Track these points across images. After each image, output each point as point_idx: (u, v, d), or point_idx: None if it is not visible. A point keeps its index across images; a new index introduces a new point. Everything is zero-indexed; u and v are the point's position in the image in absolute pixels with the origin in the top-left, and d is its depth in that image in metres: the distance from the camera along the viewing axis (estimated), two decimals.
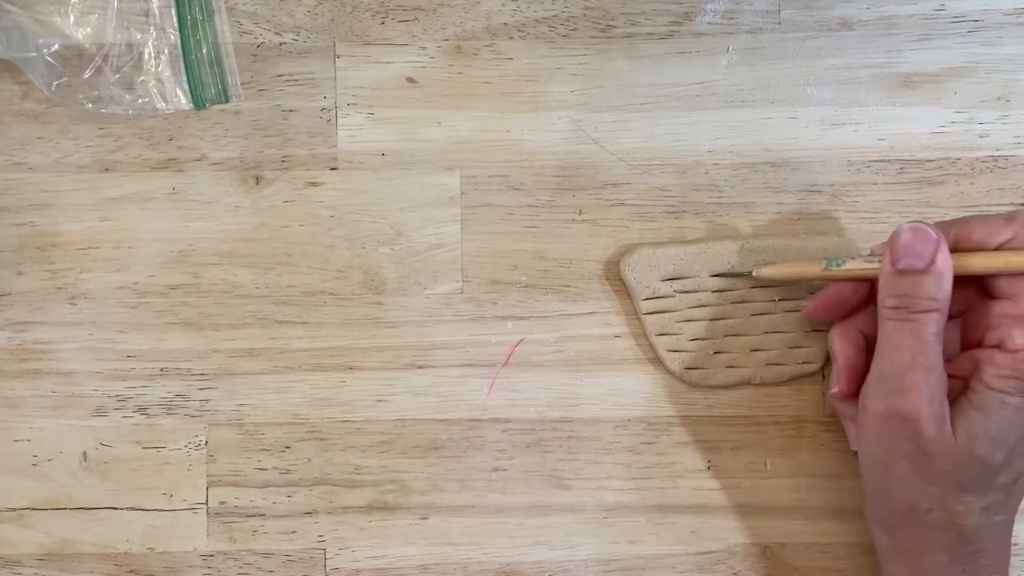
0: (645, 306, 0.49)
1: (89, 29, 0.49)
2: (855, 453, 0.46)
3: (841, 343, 0.45)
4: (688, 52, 0.50)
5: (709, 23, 0.50)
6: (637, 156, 0.50)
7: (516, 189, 0.50)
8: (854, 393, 0.44)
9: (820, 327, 0.48)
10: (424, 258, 0.49)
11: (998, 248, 0.43)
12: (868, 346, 0.45)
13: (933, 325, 0.41)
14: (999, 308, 0.43)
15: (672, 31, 0.50)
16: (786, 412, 0.49)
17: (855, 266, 0.45)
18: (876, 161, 0.50)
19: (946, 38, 0.50)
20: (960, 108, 0.50)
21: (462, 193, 0.50)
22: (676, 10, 0.50)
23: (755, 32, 0.50)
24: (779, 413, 0.49)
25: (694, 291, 0.49)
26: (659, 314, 0.49)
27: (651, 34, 0.50)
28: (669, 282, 0.49)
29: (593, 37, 0.50)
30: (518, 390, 0.49)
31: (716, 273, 0.48)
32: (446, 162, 0.50)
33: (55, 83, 0.48)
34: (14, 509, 0.49)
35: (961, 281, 0.42)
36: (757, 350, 0.49)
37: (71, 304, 0.49)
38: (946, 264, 0.42)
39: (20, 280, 0.49)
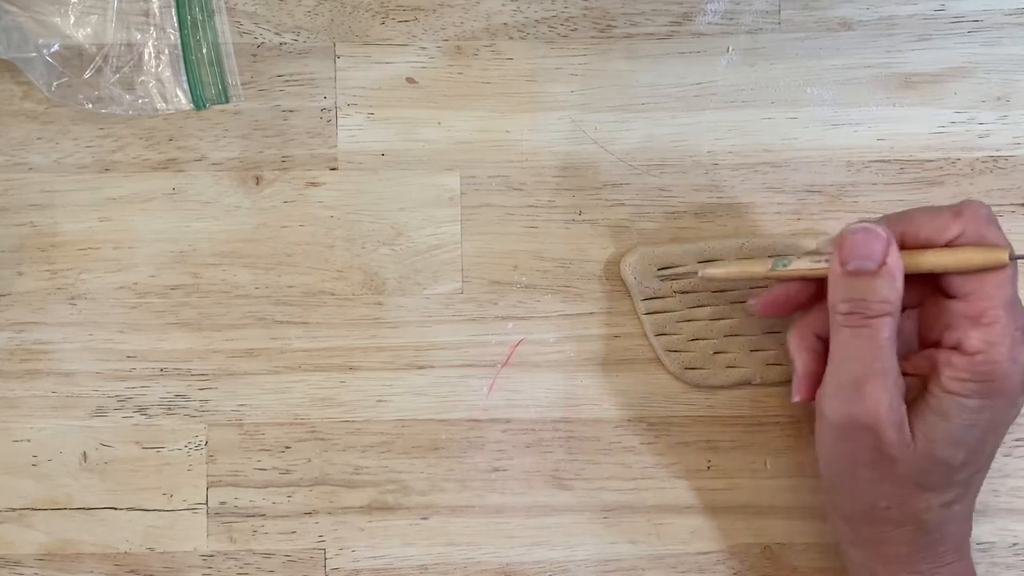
0: (645, 306, 0.49)
1: (89, 29, 0.49)
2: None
3: (798, 350, 0.44)
4: (688, 52, 0.50)
5: (709, 23, 0.50)
6: (637, 156, 0.50)
7: (516, 189, 0.50)
8: (814, 398, 0.44)
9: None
10: (424, 258, 0.49)
11: (947, 245, 0.41)
12: (824, 349, 0.44)
13: (887, 329, 0.40)
14: (954, 307, 0.41)
15: (672, 31, 0.50)
16: (786, 412, 0.49)
17: (802, 266, 0.44)
18: (876, 161, 0.50)
19: (946, 38, 0.50)
20: (960, 108, 0.50)
21: (462, 193, 0.50)
22: (676, 10, 0.50)
23: (755, 32, 0.50)
24: (779, 413, 0.49)
25: (694, 291, 0.49)
26: (659, 314, 0.49)
27: (651, 34, 0.50)
28: (669, 282, 0.49)
29: (593, 37, 0.50)
30: (518, 390, 0.49)
31: (662, 267, 0.48)
32: (446, 162, 0.50)
33: (55, 83, 0.48)
34: (14, 509, 0.49)
35: (915, 276, 0.41)
36: (757, 350, 0.49)
37: (71, 304, 0.49)
38: (897, 264, 0.40)
39: (20, 280, 0.49)
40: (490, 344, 0.49)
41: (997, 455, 0.44)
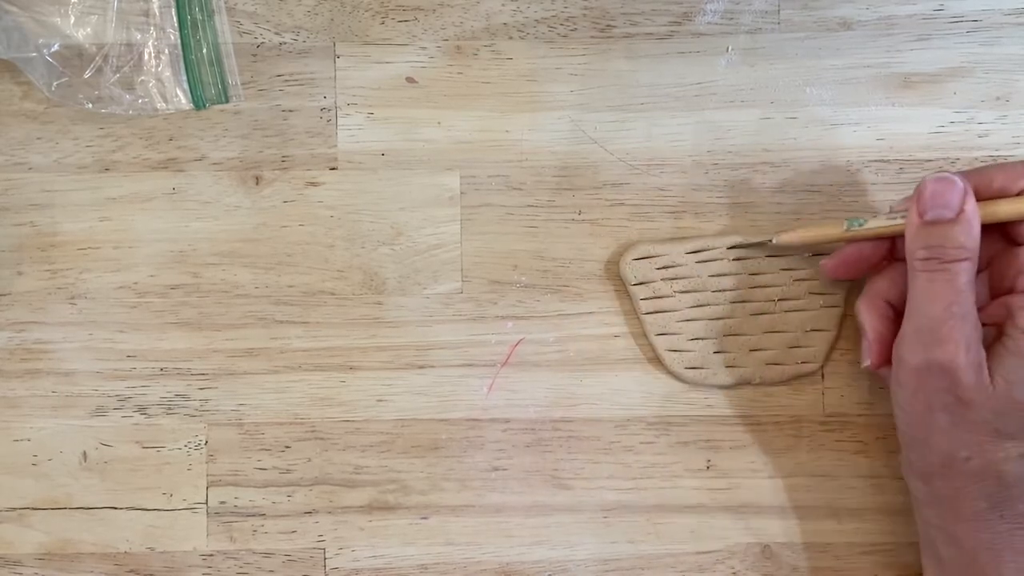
0: (645, 306, 0.49)
1: (89, 29, 0.49)
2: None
3: (868, 315, 0.45)
4: (688, 52, 0.50)
5: (709, 23, 0.50)
6: (637, 156, 0.50)
7: (516, 189, 0.50)
8: (886, 363, 0.45)
9: (821, 327, 0.48)
10: (424, 258, 0.49)
11: (1020, 193, 0.43)
12: (895, 315, 0.45)
13: (965, 274, 0.41)
14: None
15: (672, 31, 0.50)
16: (786, 412, 0.49)
17: (878, 224, 0.45)
18: (875, 161, 0.50)
19: (945, 38, 0.50)
20: (959, 108, 0.50)
21: (462, 193, 0.50)
22: (676, 10, 0.50)
23: (755, 32, 0.50)
24: (779, 413, 0.49)
25: (694, 291, 0.49)
26: (659, 314, 0.49)
27: (651, 34, 0.50)
28: (669, 282, 0.49)
29: (593, 37, 0.50)
30: (518, 390, 0.49)
31: (734, 245, 0.48)
32: (446, 162, 0.50)
33: (55, 83, 0.48)
34: (14, 509, 0.49)
35: (984, 231, 0.42)
36: (757, 350, 0.49)
37: (71, 304, 0.49)
38: (974, 212, 0.42)
39: (20, 280, 0.49)
40: (490, 344, 0.49)
41: None
